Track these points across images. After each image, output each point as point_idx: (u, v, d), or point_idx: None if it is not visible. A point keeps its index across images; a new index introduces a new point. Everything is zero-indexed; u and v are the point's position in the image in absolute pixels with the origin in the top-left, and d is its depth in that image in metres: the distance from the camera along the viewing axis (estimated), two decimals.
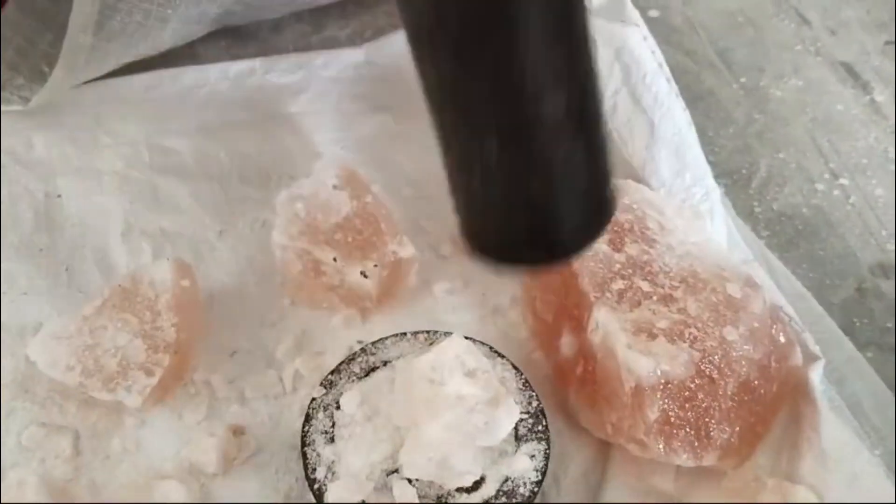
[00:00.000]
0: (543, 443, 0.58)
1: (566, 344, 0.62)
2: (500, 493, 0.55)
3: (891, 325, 0.71)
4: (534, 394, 0.60)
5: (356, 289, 0.66)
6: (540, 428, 0.58)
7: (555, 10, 0.35)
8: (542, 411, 0.59)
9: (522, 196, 0.39)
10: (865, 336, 0.70)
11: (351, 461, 0.56)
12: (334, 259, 0.65)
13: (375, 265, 0.65)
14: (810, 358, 0.63)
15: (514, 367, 0.61)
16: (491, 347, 0.62)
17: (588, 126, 0.39)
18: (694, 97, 0.87)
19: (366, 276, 0.65)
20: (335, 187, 0.68)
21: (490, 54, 0.34)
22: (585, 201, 0.40)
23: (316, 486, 0.55)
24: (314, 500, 0.56)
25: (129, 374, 0.60)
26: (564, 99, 0.36)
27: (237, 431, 0.61)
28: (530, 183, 0.38)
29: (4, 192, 0.75)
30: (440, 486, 0.55)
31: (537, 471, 0.56)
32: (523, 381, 0.60)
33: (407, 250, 0.66)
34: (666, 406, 0.56)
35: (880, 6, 1.00)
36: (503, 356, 0.62)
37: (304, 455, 0.57)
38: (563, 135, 0.37)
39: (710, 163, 0.76)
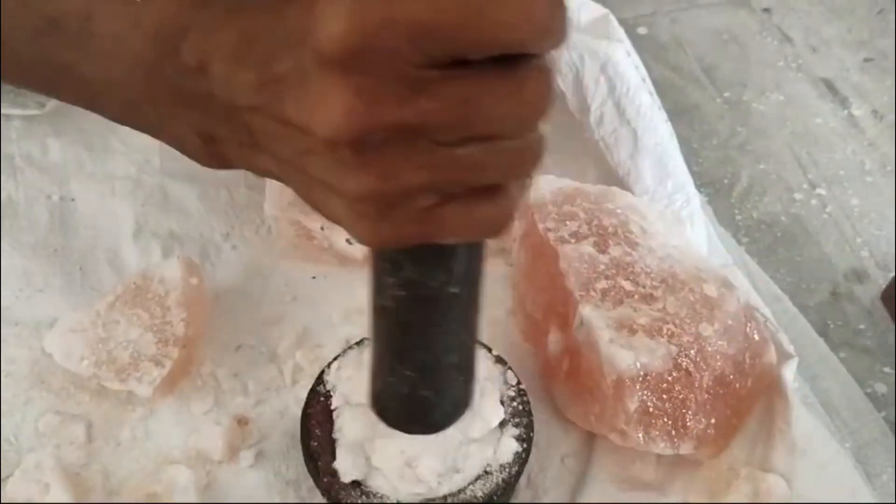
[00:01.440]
0: (526, 428, 0.60)
1: (553, 340, 0.65)
2: (482, 476, 0.58)
3: (863, 327, 0.74)
4: (521, 386, 0.62)
5: (343, 252, 0.71)
6: (524, 417, 0.61)
7: (472, 299, 0.45)
8: (526, 401, 0.62)
9: (419, 396, 0.50)
10: (839, 337, 0.74)
11: (347, 440, 0.58)
12: (322, 228, 0.69)
13: None
14: (784, 356, 0.65)
15: (501, 360, 0.64)
16: (480, 342, 0.64)
17: (468, 367, 0.50)
18: (679, 110, 0.90)
19: (350, 243, 0.69)
20: None
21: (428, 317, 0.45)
22: (456, 408, 0.52)
23: (312, 465, 0.58)
24: (314, 485, 0.59)
25: (140, 365, 0.63)
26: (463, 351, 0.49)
27: (241, 421, 0.64)
28: (426, 390, 0.49)
29: (21, 195, 0.78)
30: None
31: (519, 455, 0.59)
32: (509, 370, 0.63)
33: None
34: (645, 397, 0.59)
35: (860, 25, 1.03)
36: (489, 348, 0.64)
37: (304, 435, 0.60)
38: (456, 369, 0.49)
39: (693, 172, 0.79)
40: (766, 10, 1.04)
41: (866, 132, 0.90)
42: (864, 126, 0.91)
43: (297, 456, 0.62)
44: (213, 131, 0.40)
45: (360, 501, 0.56)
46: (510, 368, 0.63)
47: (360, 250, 0.70)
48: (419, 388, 0.49)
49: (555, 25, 0.32)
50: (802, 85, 0.95)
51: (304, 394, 0.65)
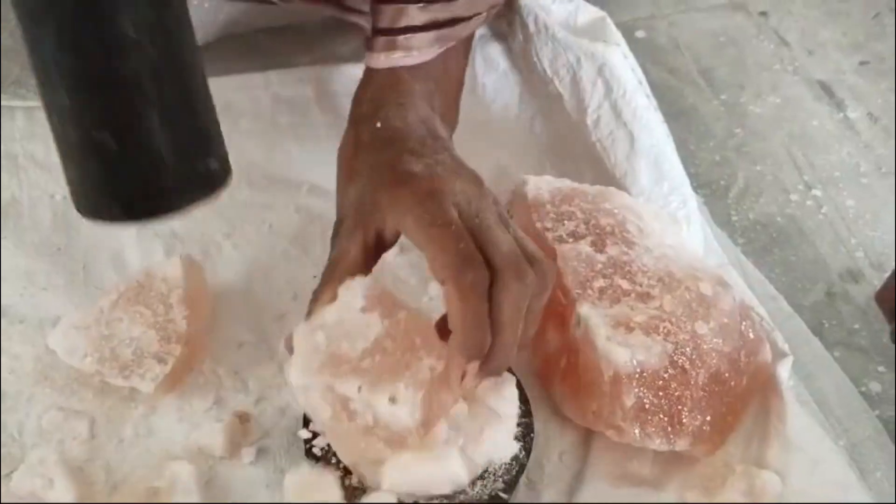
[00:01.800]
0: (525, 429, 0.61)
1: (552, 339, 0.66)
2: (482, 476, 0.58)
3: (858, 326, 0.75)
4: (520, 386, 0.63)
5: (393, 423, 0.57)
6: (523, 418, 0.62)
7: None
8: (525, 402, 0.63)
9: (94, 148, 0.40)
10: (834, 336, 0.74)
11: None
12: (359, 389, 0.57)
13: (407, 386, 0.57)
14: (779, 354, 0.66)
15: None
16: None
17: (169, 100, 0.41)
18: (677, 112, 0.91)
19: (393, 402, 0.57)
20: (363, 310, 0.58)
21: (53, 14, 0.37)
22: (166, 168, 0.42)
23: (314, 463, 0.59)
24: None
25: (143, 362, 0.64)
26: (141, 63, 0.39)
27: (243, 418, 0.65)
28: (102, 136, 0.40)
29: (24, 194, 0.78)
30: None
31: (520, 457, 0.60)
32: (507, 370, 0.64)
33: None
34: (641, 394, 0.59)
35: (856, 28, 1.04)
36: None
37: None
38: (137, 97, 0.39)
39: (690, 174, 0.80)
40: (763, 13, 1.04)
41: (862, 134, 0.91)
42: (859, 128, 0.91)
43: (298, 453, 0.63)
44: None
45: (360, 501, 0.57)
46: (509, 369, 0.64)
47: (407, 413, 0.56)
48: (86, 129, 0.40)
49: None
50: (799, 87, 0.96)
51: None
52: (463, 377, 0.55)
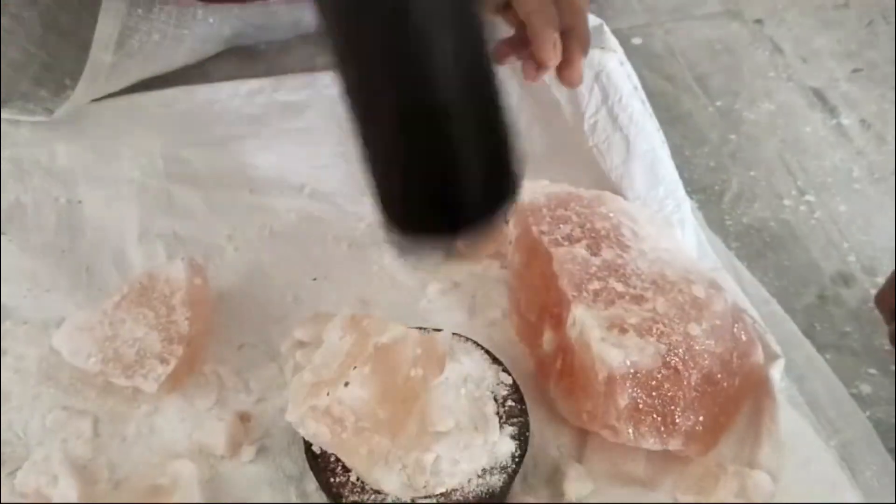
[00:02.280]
0: (521, 427, 0.62)
1: (547, 340, 0.67)
2: (480, 474, 0.59)
3: (849, 329, 0.76)
4: (516, 386, 0.64)
5: (362, 408, 0.59)
6: (519, 416, 0.62)
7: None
8: (521, 401, 0.63)
9: (422, 170, 0.43)
10: (825, 339, 0.75)
11: None
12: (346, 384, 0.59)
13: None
14: (771, 356, 0.67)
15: (497, 361, 0.65)
16: (476, 343, 0.66)
17: (483, 112, 0.43)
18: (672, 118, 0.92)
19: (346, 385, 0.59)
20: (341, 339, 0.62)
21: (383, 41, 0.39)
22: (482, 179, 0.44)
23: (313, 461, 0.60)
24: (315, 481, 0.60)
25: (146, 362, 0.65)
26: (455, 86, 0.40)
27: (244, 418, 0.65)
28: (428, 161, 0.42)
29: (29, 198, 0.79)
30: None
31: (515, 454, 0.60)
32: (503, 371, 0.65)
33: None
34: (635, 394, 0.60)
35: (849, 37, 1.05)
36: (486, 349, 0.66)
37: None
38: (457, 118, 0.41)
39: (685, 179, 0.80)
40: (758, 21, 1.05)
41: (854, 141, 0.91)
42: (852, 135, 0.92)
43: (297, 452, 0.64)
44: None
45: (359, 499, 0.58)
46: (505, 369, 0.65)
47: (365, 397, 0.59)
48: (413, 163, 0.43)
49: None
50: (792, 94, 0.96)
51: None
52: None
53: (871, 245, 0.82)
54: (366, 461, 0.58)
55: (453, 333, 0.64)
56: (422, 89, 0.40)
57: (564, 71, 0.67)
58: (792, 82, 0.99)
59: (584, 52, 0.68)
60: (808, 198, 0.86)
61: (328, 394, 0.59)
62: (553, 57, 0.65)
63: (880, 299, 0.63)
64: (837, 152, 0.91)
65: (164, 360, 0.65)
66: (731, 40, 1.03)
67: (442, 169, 0.43)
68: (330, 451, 0.60)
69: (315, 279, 0.75)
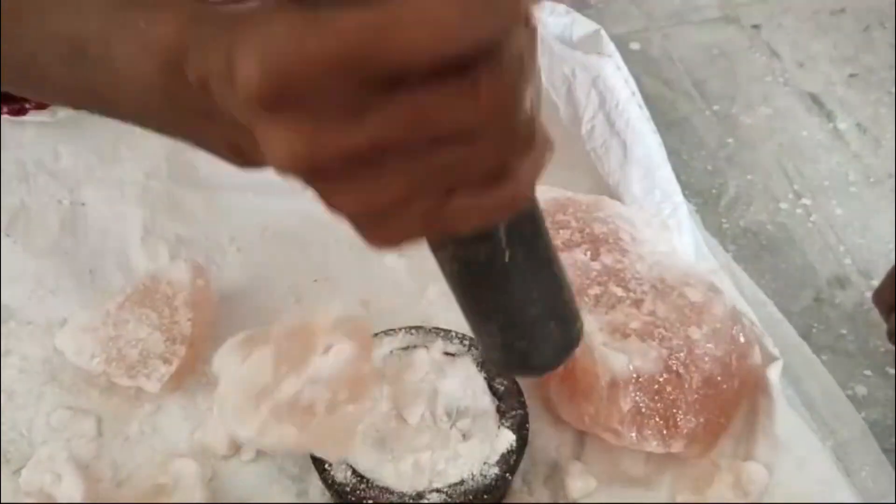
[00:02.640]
0: (521, 421, 0.62)
1: None
2: (480, 467, 0.60)
3: (845, 331, 0.76)
4: (516, 383, 0.64)
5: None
6: (518, 410, 0.63)
7: (532, 257, 0.45)
8: (521, 396, 0.64)
9: (516, 347, 0.50)
10: (822, 341, 0.76)
11: None
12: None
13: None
14: (769, 358, 0.67)
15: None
16: (472, 338, 0.66)
17: (558, 314, 0.50)
18: (670, 123, 0.93)
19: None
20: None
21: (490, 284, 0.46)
22: (558, 350, 0.52)
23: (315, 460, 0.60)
24: (318, 480, 0.61)
25: (149, 362, 0.65)
26: (542, 304, 0.48)
27: None
28: (520, 342, 0.50)
29: (33, 199, 0.79)
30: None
31: (513, 448, 0.61)
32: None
33: None
34: (637, 398, 0.61)
35: (846, 42, 1.06)
36: None
37: None
38: (542, 319, 0.49)
39: (682, 182, 0.81)
40: (756, 26, 1.06)
41: (851, 145, 0.92)
42: (848, 139, 0.93)
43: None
44: (236, 140, 0.40)
45: (363, 495, 0.58)
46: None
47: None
48: (511, 341, 0.50)
49: (472, 23, 0.30)
50: (789, 99, 0.97)
51: None
52: None
53: (867, 248, 0.83)
54: (340, 446, 0.57)
55: (452, 331, 0.65)
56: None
57: None
58: (789, 87, 1.00)
59: None
60: (805, 201, 0.87)
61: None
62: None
63: (878, 296, 0.64)
64: (834, 156, 0.92)
65: (166, 361, 0.65)
66: (728, 45, 1.04)
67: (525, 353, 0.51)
68: (301, 451, 0.60)
69: (316, 280, 0.75)
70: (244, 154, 0.40)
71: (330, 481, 0.59)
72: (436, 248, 0.43)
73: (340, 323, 0.58)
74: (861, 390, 0.72)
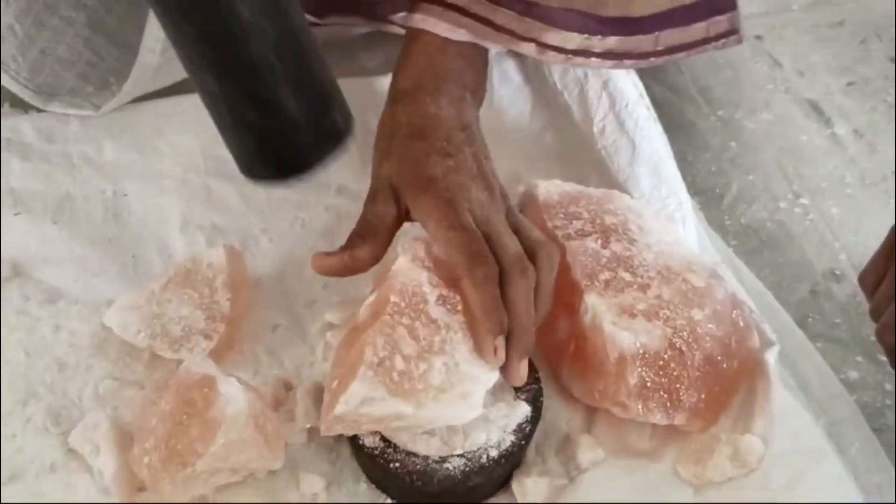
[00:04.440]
0: (535, 393, 0.66)
1: (561, 326, 0.71)
2: (498, 435, 0.64)
3: (839, 321, 0.80)
4: (530, 363, 0.68)
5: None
6: (534, 384, 0.67)
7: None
8: (535, 370, 0.67)
9: (244, 124, 0.47)
10: (817, 330, 0.79)
11: None
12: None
13: None
14: (767, 343, 0.71)
15: None
16: None
17: (293, 71, 0.46)
18: (676, 126, 0.96)
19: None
20: None
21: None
22: (303, 130, 0.49)
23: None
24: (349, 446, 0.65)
25: (192, 338, 0.69)
26: (266, 44, 0.44)
27: (287, 386, 0.70)
28: (249, 114, 0.46)
29: (78, 190, 0.83)
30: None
31: (530, 417, 0.65)
32: None
33: None
34: (643, 373, 0.65)
35: (844, 52, 1.09)
36: None
37: None
38: (269, 76, 0.45)
39: (688, 182, 0.85)
40: (758, 37, 1.10)
41: (847, 149, 0.96)
42: (845, 144, 0.96)
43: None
44: None
45: (389, 459, 0.62)
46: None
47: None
48: (238, 111, 0.47)
49: None
50: (790, 106, 1.01)
51: None
52: (496, 353, 0.62)
53: (861, 245, 0.86)
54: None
55: None
56: (235, 46, 0.44)
57: (505, 372, 0.64)
58: (789, 94, 1.03)
59: (525, 353, 0.64)
60: (803, 201, 0.91)
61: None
62: (493, 362, 0.62)
63: (863, 278, 0.68)
64: (831, 159, 0.95)
65: (207, 336, 0.69)
66: (732, 55, 1.08)
67: (262, 124, 0.47)
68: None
69: None
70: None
71: (359, 444, 0.63)
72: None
73: None
74: (853, 375, 0.76)
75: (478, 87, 0.79)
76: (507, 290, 0.63)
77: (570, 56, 0.77)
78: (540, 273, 0.64)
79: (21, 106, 0.90)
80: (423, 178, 0.67)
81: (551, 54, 0.77)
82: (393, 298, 0.62)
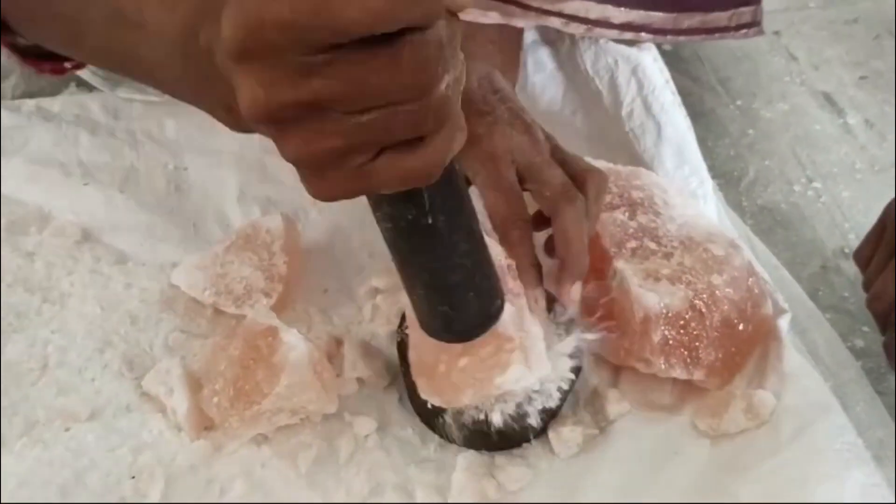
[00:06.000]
0: (576, 349, 0.70)
1: (591, 291, 0.76)
2: (544, 384, 0.68)
3: (847, 294, 0.85)
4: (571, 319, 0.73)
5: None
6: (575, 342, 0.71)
7: (453, 226, 0.51)
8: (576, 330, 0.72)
9: (438, 314, 0.57)
10: (826, 302, 0.84)
11: None
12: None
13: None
14: (779, 310, 0.75)
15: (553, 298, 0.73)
16: None
17: (478, 285, 0.56)
18: (697, 114, 1.01)
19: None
20: None
21: (415, 244, 0.51)
22: (478, 316, 0.58)
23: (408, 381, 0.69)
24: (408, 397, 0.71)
25: (253, 295, 0.74)
26: (463, 271, 0.54)
27: (338, 342, 0.75)
28: (442, 308, 0.56)
29: (142, 164, 0.89)
30: None
31: (572, 370, 0.69)
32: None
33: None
34: (666, 332, 0.69)
35: (857, 48, 1.14)
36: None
37: (402, 358, 0.70)
38: (462, 287, 0.55)
39: (708, 166, 0.89)
40: (776, 32, 1.15)
41: (858, 138, 1.01)
42: (857, 133, 1.01)
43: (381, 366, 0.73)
44: (229, 102, 0.44)
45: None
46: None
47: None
48: (434, 304, 0.55)
49: (397, 7, 0.36)
50: (805, 97, 1.06)
51: (381, 329, 0.76)
52: (536, 301, 0.68)
53: (869, 225, 0.90)
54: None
55: None
56: (442, 263, 0.53)
57: (559, 299, 0.69)
58: (805, 86, 1.08)
59: (578, 276, 0.68)
60: (816, 185, 0.96)
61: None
62: (536, 311, 0.67)
63: (858, 254, 0.73)
64: (843, 147, 1.00)
65: (267, 294, 0.75)
66: (751, 48, 1.13)
67: (450, 316, 0.57)
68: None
69: None
70: (235, 113, 0.45)
71: (412, 389, 0.68)
72: (374, 209, 0.49)
73: None
74: (859, 343, 0.81)
75: (507, 69, 0.82)
76: (556, 220, 0.68)
77: (591, 27, 0.81)
78: (588, 199, 0.69)
79: (86, 86, 0.96)
80: (469, 137, 0.71)
81: (574, 25, 0.82)
82: None
